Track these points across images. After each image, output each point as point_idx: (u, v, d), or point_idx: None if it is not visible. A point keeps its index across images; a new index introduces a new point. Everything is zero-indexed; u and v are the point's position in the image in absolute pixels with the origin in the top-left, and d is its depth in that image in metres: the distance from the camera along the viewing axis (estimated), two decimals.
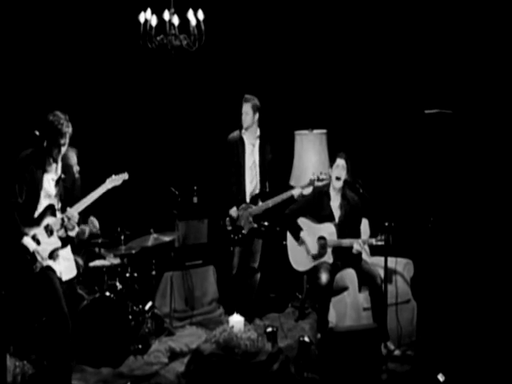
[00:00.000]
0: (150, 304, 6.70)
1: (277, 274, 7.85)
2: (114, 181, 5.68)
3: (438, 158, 7.20)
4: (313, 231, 6.87)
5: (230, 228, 7.15)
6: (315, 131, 7.61)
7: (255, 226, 7.12)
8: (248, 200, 7.15)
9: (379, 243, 6.49)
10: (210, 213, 7.43)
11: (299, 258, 6.93)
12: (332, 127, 7.75)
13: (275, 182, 7.23)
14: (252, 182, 7.16)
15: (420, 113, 7.11)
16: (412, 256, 7.05)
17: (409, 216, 7.15)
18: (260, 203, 7.11)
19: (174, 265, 7.31)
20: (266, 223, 7.45)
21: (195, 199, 7.70)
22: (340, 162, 6.76)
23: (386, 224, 6.35)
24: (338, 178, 6.77)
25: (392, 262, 6.64)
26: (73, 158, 6.25)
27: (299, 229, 6.89)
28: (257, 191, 7.16)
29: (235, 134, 7.20)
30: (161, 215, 7.50)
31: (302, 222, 6.93)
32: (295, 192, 6.98)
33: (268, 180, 7.19)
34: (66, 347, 5.42)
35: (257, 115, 7.09)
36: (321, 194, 6.91)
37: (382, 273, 6.55)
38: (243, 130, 7.14)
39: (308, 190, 6.98)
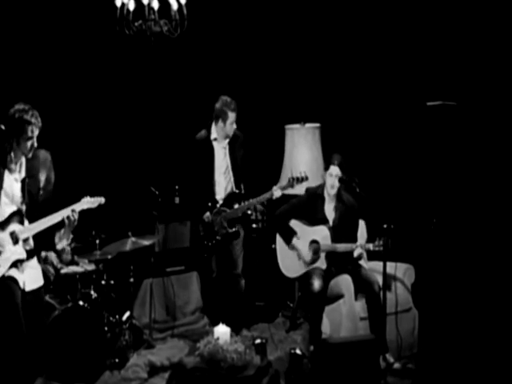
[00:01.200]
0: (127, 314, 6.65)
1: (266, 281, 7.81)
2: (89, 203, 5.61)
3: (442, 154, 7.18)
4: (305, 234, 6.86)
5: (202, 234, 7.16)
6: (307, 125, 7.57)
7: (230, 231, 7.13)
8: (221, 203, 7.14)
9: (377, 249, 6.48)
10: (193, 214, 7.31)
11: (290, 263, 6.92)
12: (326, 121, 7.72)
13: (260, 184, 7.17)
14: (227, 187, 7.19)
15: (422, 105, 7.12)
16: (413, 261, 7.02)
17: (409, 217, 7.14)
18: (235, 206, 7.09)
19: (153, 271, 7.29)
20: (254, 225, 7.55)
21: (177, 199, 7.67)
22: (334, 171, 6.74)
23: (385, 226, 6.32)
24: (332, 187, 6.78)
25: (391, 267, 6.60)
26: (44, 164, 6.08)
27: (292, 232, 6.89)
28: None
29: (203, 133, 7.21)
30: (139, 217, 7.48)
31: (294, 224, 6.92)
32: (275, 193, 6.93)
33: (243, 181, 7.18)
34: (21, 365, 5.34)
35: None
36: (314, 196, 6.90)
37: (380, 279, 6.52)
38: (214, 136, 7.13)
39: (287, 191, 6.96)
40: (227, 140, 7.16)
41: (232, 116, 7.04)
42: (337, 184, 6.73)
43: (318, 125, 7.62)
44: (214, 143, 7.18)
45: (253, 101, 8.10)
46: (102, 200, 5.67)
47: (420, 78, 7.78)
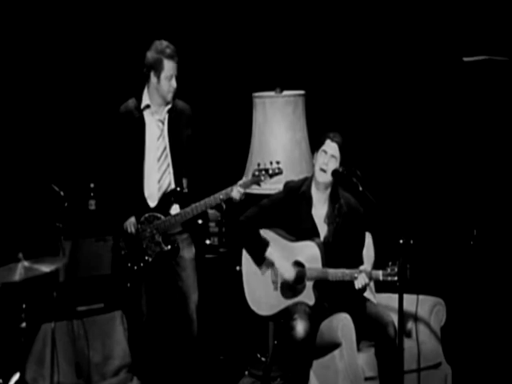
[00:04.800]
0: (16, 376, 6.41)
1: (226, 323, 7.88)
2: None
3: (485, 132, 7.28)
4: (284, 254, 6.66)
5: (124, 252, 7.04)
6: (286, 92, 7.42)
7: (166, 248, 6.97)
8: (153, 205, 7.06)
9: (389, 279, 6.40)
10: (115, 226, 7.13)
11: (262, 294, 6.78)
12: (313, 86, 7.72)
13: (215, 179, 7.10)
14: (162, 182, 7.09)
15: (456, 61, 7.36)
16: (443, 293, 7.00)
17: (437, 228, 7.42)
18: (174, 211, 6.98)
19: (56, 311, 7.03)
20: (208, 241, 7.72)
21: (92, 204, 7.68)
22: (330, 148, 6.62)
23: (401, 241, 6.07)
24: (323, 170, 6.60)
25: (411, 301, 6.47)
26: None
27: (263, 245, 6.72)
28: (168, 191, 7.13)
29: (130, 102, 7.12)
30: (35, 230, 7.41)
31: (268, 237, 6.79)
32: (233, 193, 6.85)
33: (186, 173, 7.10)
34: None
35: None
36: (295, 196, 6.74)
37: (395, 319, 6.32)
38: (146, 102, 7.08)
39: (252, 189, 6.98)
40: (166, 109, 7.03)
41: (169, 66, 6.89)
42: (331, 165, 6.57)
43: (301, 92, 7.48)
44: (146, 114, 7.05)
45: (207, 58, 8.28)
46: None
47: (454, 23, 7.94)
